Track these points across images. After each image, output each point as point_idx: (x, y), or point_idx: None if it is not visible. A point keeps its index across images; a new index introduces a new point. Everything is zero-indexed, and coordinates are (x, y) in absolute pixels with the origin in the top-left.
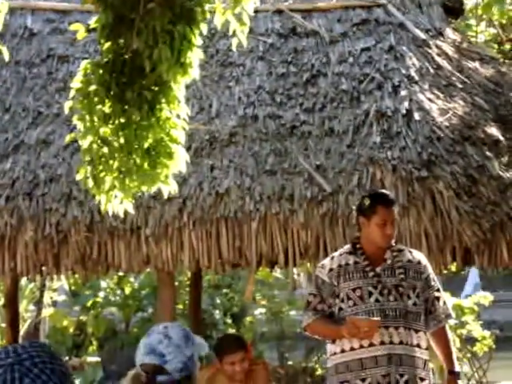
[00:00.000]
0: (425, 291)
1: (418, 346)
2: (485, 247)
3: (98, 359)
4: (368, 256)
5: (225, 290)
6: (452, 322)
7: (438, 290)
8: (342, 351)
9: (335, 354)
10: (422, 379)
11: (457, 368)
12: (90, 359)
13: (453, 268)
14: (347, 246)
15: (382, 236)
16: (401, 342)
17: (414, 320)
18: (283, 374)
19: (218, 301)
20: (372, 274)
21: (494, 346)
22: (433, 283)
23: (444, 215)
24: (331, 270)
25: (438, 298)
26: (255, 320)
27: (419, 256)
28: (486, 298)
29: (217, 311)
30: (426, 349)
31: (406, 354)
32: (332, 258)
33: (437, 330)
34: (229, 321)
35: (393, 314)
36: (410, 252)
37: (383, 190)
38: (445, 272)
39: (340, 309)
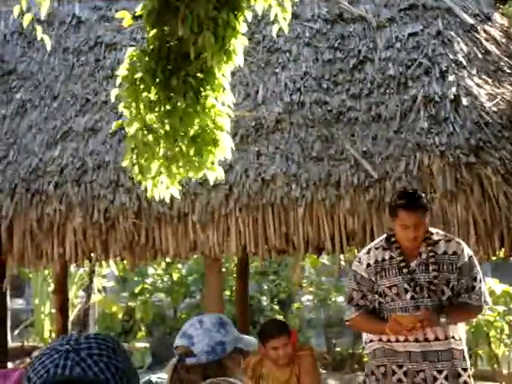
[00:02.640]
0: (460, 281)
1: (454, 337)
2: None
3: (147, 345)
4: (403, 250)
5: (272, 277)
6: (500, 308)
7: (475, 279)
8: (380, 340)
9: (372, 341)
10: (463, 369)
11: (443, 319)
12: (138, 345)
13: (501, 254)
14: (383, 238)
15: (406, 238)
16: (436, 339)
17: None
18: (330, 360)
19: (265, 287)
20: (406, 271)
21: None
22: (469, 272)
23: (492, 201)
24: (368, 265)
25: (473, 287)
26: (302, 306)
27: (455, 245)
28: None
29: (264, 297)
30: (460, 339)
31: (442, 349)
32: (368, 251)
33: (460, 301)
34: (276, 307)
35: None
36: (447, 241)
37: (411, 192)
38: (493, 258)
39: (379, 303)
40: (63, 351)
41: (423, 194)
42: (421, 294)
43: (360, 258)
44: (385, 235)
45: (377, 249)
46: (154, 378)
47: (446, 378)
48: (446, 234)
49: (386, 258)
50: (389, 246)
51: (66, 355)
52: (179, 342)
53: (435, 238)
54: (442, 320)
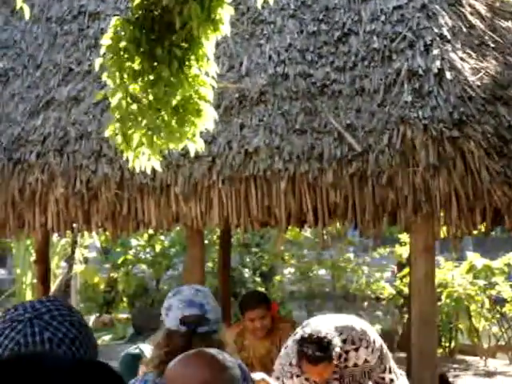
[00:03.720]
0: (372, 378)
1: None
2: None
3: (129, 316)
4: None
5: (254, 249)
6: (481, 282)
7: (384, 371)
8: None
9: None
10: None
11: None
12: (120, 316)
13: (482, 229)
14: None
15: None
16: None
17: None
18: None
19: (248, 259)
20: None
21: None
22: (380, 366)
23: (474, 175)
24: None
25: (383, 379)
26: (284, 279)
27: (364, 353)
28: None
29: (246, 270)
30: None
31: None
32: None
33: None
34: (258, 279)
35: None
36: (356, 350)
37: (315, 340)
38: (475, 233)
39: None
40: (26, 320)
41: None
42: None
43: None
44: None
45: (298, 376)
46: (142, 346)
47: None
48: (352, 341)
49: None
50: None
51: (30, 323)
52: (189, 311)
53: (343, 356)
54: None
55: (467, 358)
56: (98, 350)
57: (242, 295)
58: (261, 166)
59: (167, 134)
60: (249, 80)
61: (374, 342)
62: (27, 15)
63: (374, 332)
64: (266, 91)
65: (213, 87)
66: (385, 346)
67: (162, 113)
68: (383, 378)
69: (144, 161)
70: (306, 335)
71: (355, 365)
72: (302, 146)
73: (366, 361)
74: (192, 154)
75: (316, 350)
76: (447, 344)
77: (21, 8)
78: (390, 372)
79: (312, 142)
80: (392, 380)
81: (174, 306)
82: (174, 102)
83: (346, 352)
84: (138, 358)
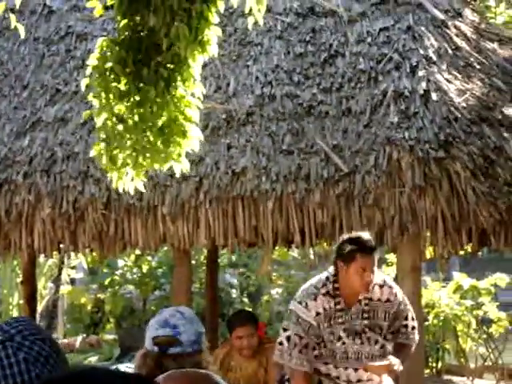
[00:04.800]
0: (393, 324)
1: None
2: (501, 228)
3: (116, 337)
4: (344, 298)
5: (241, 269)
6: (468, 303)
7: (407, 318)
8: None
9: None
10: None
11: (397, 366)
12: (107, 337)
13: (469, 249)
14: (327, 281)
15: (360, 283)
16: (358, 380)
17: (379, 360)
18: None
19: (235, 280)
20: (343, 320)
21: (509, 328)
22: (403, 314)
23: (460, 196)
24: (318, 314)
25: (405, 326)
26: (272, 299)
27: (388, 291)
28: (502, 279)
29: (233, 290)
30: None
31: None
32: (315, 297)
33: (400, 343)
34: (245, 300)
35: (355, 356)
36: (381, 287)
37: (365, 236)
38: (461, 253)
39: (317, 348)
40: None
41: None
42: (353, 340)
43: (307, 305)
44: (329, 275)
45: (324, 295)
46: (122, 366)
47: None
48: (379, 279)
49: (332, 305)
50: (333, 294)
51: (2, 346)
52: (160, 332)
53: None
54: (401, 368)
55: (454, 378)
56: (68, 366)
57: (231, 314)
58: (248, 186)
59: (152, 155)
60: (236, 101)
61: (396, 291)
62: (22, 34)
63: (397, 287)
64: (253, 112)
65: (199, 108)
66: (407, 301)
67: (148, 133)
68: (406, 326)
69: (127, 181)
70: (351, 236)
71: (379, 299)
72: (289, 167)
73: (388, 300)
74: (177, 175)
75: (369, 240)
76: (434, 364)
77: (15, 28)
78: (413, 319)
79: (299, 163)
80: (414, 327)
81: (151, 326)
82: (160, 123)
83: (373, 286)
84: None
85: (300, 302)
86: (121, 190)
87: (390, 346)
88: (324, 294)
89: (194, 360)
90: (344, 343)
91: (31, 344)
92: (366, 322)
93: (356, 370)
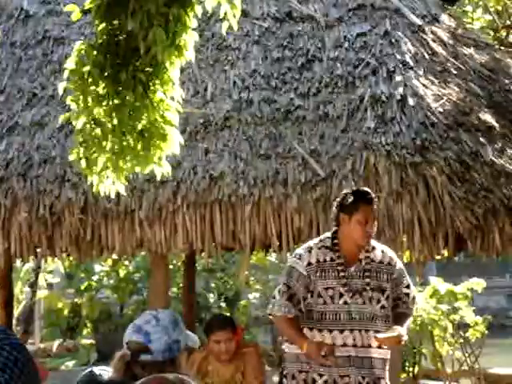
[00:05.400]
0: (394, 291)
1: (380, 346)
2: (477, 233)
3: (93, 341)
4: (344, 254)
5: (219, 274)
6: (444, 307)
7: (408, 287)
8: None
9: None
10: (381, 378)
11: (403, 331)
12: (84, 341)
13: (445, 254)
14: (325, 238)
15: (363, 234)
16: (363, 345)
17: (382, 322)
18: (276, 357)
19: (213, 284)
20: (343, 275)
21: (486, 332)
22: (403, 280)
23: (437, 201)
24: (309, 264)
25: (407, 294)
26: (249, 304)
27: (390, 255)
28: (478, 284)
29: (211, 294)
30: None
31: (367, 356)
32: (310, 250)
33: (401, 312)
34: (223, 304)
35: (358, 317)
36: (382, 251)
37: (365, 188)
38: (438, 258)
39: (308, 303)
40: None
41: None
42: (355, 299)
43: (300, 256)
44: (327, 234)
45: (319, 248)
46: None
47: None
48: (376, 243)
49: (327, 259)
50: (331, 247)
51: None
52: (134, 338)
53: (373, 245)
54: (406, 338)
55: (431, 382)
56: (37, 368)
57: (209, 318)
58: (225, 190)
59: (133, 158)
60: (213, 105)
61: (397, 259)
62: None
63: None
64: (230, 116)
65: (178, 112)
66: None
67: (128, 137)
68: (407, 294)
69: (108, 185)
70: (352, 189)
71: (380, 262)
72: (267, 171)
73: (389, 263)
74: (158, 178)
75: (370, 192)
76: (411, 368)
77: None
78: (412, 291)
79: (276, 167)
80: (414, 298)
81: (128, 329)
82: (140, 126)
83: (374, 248)
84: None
85: (295, 255)
86: (102, 194)
87: (390, 308)
88: (319, 247)
89: (164, 368)
90: (346, 302)
91: (0, 350)
92: (367, 280)
93: (360, 331)
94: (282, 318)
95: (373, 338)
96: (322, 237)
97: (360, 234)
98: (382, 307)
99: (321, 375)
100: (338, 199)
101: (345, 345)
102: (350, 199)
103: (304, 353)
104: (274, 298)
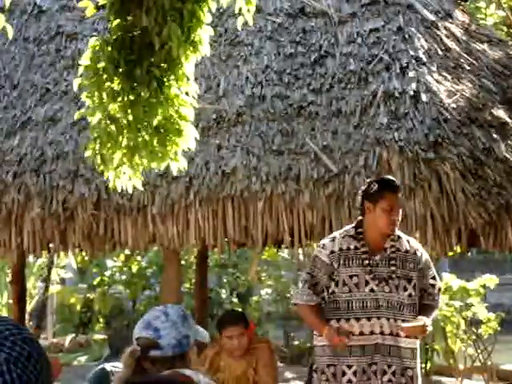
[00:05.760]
0: (421, 281)
1: (408, 336)
2: (490, 229)
3: (105, 337)
4: (368, 243)
5: (231, 270)
6: (457, 304)
7: (434, 278)
8: None
9: None
10: (410, 368)
11: (428, 320)
12: (96, 336)
13: (458, 250)
14: (350, 228)
15: (388, 222)
16: (391, 333)
17: (408, 311)
18: (288, 354)
19: (225, 280)
20: (368, 263)
21: (498, 329)
22: (429, 272)
23: (450, 197)
24: (332, 252)
25: (433, 286)
26: (261, 300)
27: (416, 246)
28: (491, 280)
29: (223, 290)
30: (416, 337)
31: (395, 344)
32: (333, 239)
33: (427, 304)
34: (235, 300)
35: (386, 304)
36: (408, 241)
37: (390, 176)
38: (451, 254)
39: (333, 292)
40: None
41: None
42: (382, 287)
43: (324, 245)
44: (352, 225)
45: (343, 237)
46: (107, 366)
47: (394, 373)
48: (402, 232)
49: (351, 247)
50: (356, 236)
51: None
52: (143, 334)
53: (398, 234)
54: (431, 329)
55: (443, 378)
56: (50, 363)
57: (221, 314)
58: (238, 186)
59: (149, 154)
60: (226, 101)
61: (423, 250)
62: (10, 35)
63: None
64: (243, 112)
65: (193, 107)
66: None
67: (143, 133)
68: (433, 285)
69: (125, 180)
70: (377, 178)
71: (406, 251)
72: (279, 167)
73: (415, 253)
74: (174, 173)
75: (395, 180)
76: (423, 365)
77: (3, 28)
78: (436, 279)
79: (289, 163)
80: (440, 289)
81: (137, 325)
82: (155, 122)
83: (399, 238)
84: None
85: (319, 245)
86: (119, 190)
87: (417, 298)
88: (343, 236)
89: (174, 364)
90: (373, 290)
91: (12, 344)
92: (393, 268)
93: (388, 319)
94: (303, 307)
95: (399, 327)
96: (346, 227)
97: (385, 222)
98: (409, 295)
99: (349, 366)
100: (363, 188)
101: (372, 332)
102: (375, 187)
103: (324, 337)
104: (298, 286)
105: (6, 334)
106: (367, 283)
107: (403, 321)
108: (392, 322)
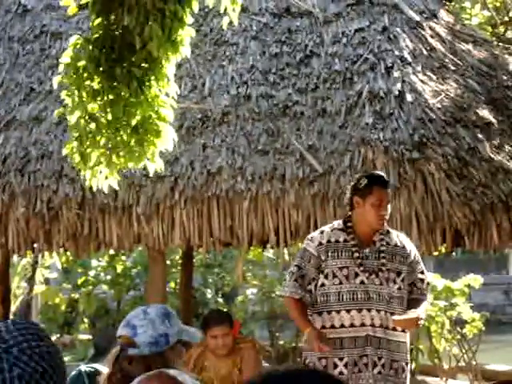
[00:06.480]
0: (410, 275)
1: (396, 329)
2: (475, 229)
3: (90, 337)
4: (357, 236)
5: (216, 270)
6: (442, 303)
7: (423, 272)
8: (323, 327)
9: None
10: (396, 361)
11: (421, 313)
12: (81, 337)
13: (443, 250)
14: (338, 222)
15: (377, 217)
16: (381, 325)
17: (398, 304)
18: (273, 353)
19: (210, 280)
20: (358, 255)
21: (483, 329)
22: (418, 266)
23: (435, 197)
24: (320, 244)
25: (422, 280)
26: (246, 299)
27: (405, 240)
28: (476, 280)
29: (208, 290)
30: (404, 331)
31: (385, 337)
32: (322, 232)
33: (415, 298)
34: (220, 300)
35: (376, 297)
36: (397, 236)
37: (379, 172)
38: (435, 254)
39: (322, 285)
40: None
41: None
42: (372, 280)
43: (312, 237)
44: (340, 220)
45: (332, 230)
46: (84, 367)
47: (383, 365)
48: (391, 228)
49: (340, 239)
50: (344, 229)
51: None
52: (122, 332)
53: (387, 229)
54: (423, 322)
55: (428, 378)
56: (66, 376)
57: (206, 313)
58: (223, 186)
59: (126, 153)
60: (211, 101)
61: (412, 245)
62: None
63: None
64: (228, 112)
65: (173, 108)
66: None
67: (122, 132)
68: (422, 280)
69: (101, 179)
70: (366, 173)
71: (396, 245)
72: (265, 167)
73: (404, 247)
74: (151, 174)
75: (383, 175)
76: None
77: None
78: (425, 274)
79: (274, 163)
80: (429, 284)
81: (120, 324)
82: (134, 122)
83: (388, 232)
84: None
85: (307, 238)
86: (94, 189)
87: (406, 291)
88: (332, 229)
89: (151, 363)
90: (363, 282)
91: (28, 359)
92: (383, 261)
93: (379, 311)
94: (288, 299)
95: (391, 320)
96: (335, 222)
97: (374, 217)
98: (399, 288)
99: (341, 358)
100: (352, 183)
101: (363, 324)
102: (364, 182)
103: (307, 337)
104: (285, 279)
105: (23, 346)
106: (357, 275)
107: (392, 313)
108: (382, 315)
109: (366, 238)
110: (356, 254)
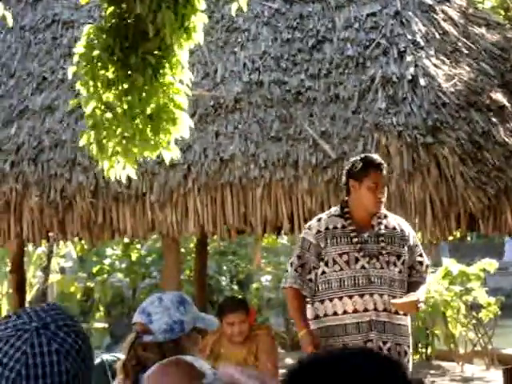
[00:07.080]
0: (409, 258)
1: (398, 312)
2: (489, 213)
3: (105, 325)
4: (355, 221)
5: (231, 257)
6: (457, 288)
7: (421, 255)
8: (325, 315)
9: (318, 317)
10: (398, 345)
11: (420, 296)
12: (97, 325)
13: (457, 234)
14: (335, 208)
15: (373, 200)
16: (385, 310)
17: (399, 287)
18: (288, 340)
19: (224, 267)
20: (357, 240)
21: (499, 313)
22: (417, 249)
23: (449, 181)
24: (319, 232)
25: (420, 263)
26: (261, 286)
27: (403, 223)
28: (491, 264)
29: (223, 277)
30: (405, 314)
31: (389, 321)
32: (319, 219)
33: (415, 281)
34: (235, 287)
35: (378, 281)
36: (395, 219)
37: (374, 155)
38: (450, 238)
39: (323, 272)
40: (32, 329)
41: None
42: (373, 264)
43: (310, 226)
44: (338, 206)
45: (329, 217)
46: (106, 356)
47: (389, 349)
48: (389, 212)
49: (338, 226)
50: (342, 215)
51: (37, 333)
52: (137, 319)
53: (385, 213)
54: (423, 306)
55: (444, 363)
56: (94, 362)
57: (222, 300)
58: (236, 173)
59: (142, 142)
60: (224, 88)
61: (410, 228)
62: (10, 22)
63: None
64: (240, 99)
65: (187, 95)
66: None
67: (137, 121)
68: (421, 262)
69: (119, 169)
70: (360, 156)
71: (394, 228)
72: (278, 153)
73: (402, 230)
74: (167, 162)
75: (378, 158)
76: (424, 350)
77: (2, 16)
78: (425, 259)
79: (287, 149)
80: (428, 266)
81: (136, 311)
82: (149, 110)
83: (386, 216)
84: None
85: (305, 227)
86: (112, 179)
87: (406, 274)
88: (329, 216)
89: (166, 350)
90: (364, 267)
91: (65, 335)
92: (382, 244)
93: (381, 295)
94: (288, 290)
95: (391, 303)
96: (332, 208)
97: (371, 200)
98: (400, 271)
99: (345, 345)
100: (347, 167)
101: (366, 309)
102: (359, 166)
103: (300, 338)
104: (287, 271)
105: (60, 323)
106: (357, 260)
107: (394, 297)
108: (385, 298)
109: (363, 223)
110: (355, 239)
